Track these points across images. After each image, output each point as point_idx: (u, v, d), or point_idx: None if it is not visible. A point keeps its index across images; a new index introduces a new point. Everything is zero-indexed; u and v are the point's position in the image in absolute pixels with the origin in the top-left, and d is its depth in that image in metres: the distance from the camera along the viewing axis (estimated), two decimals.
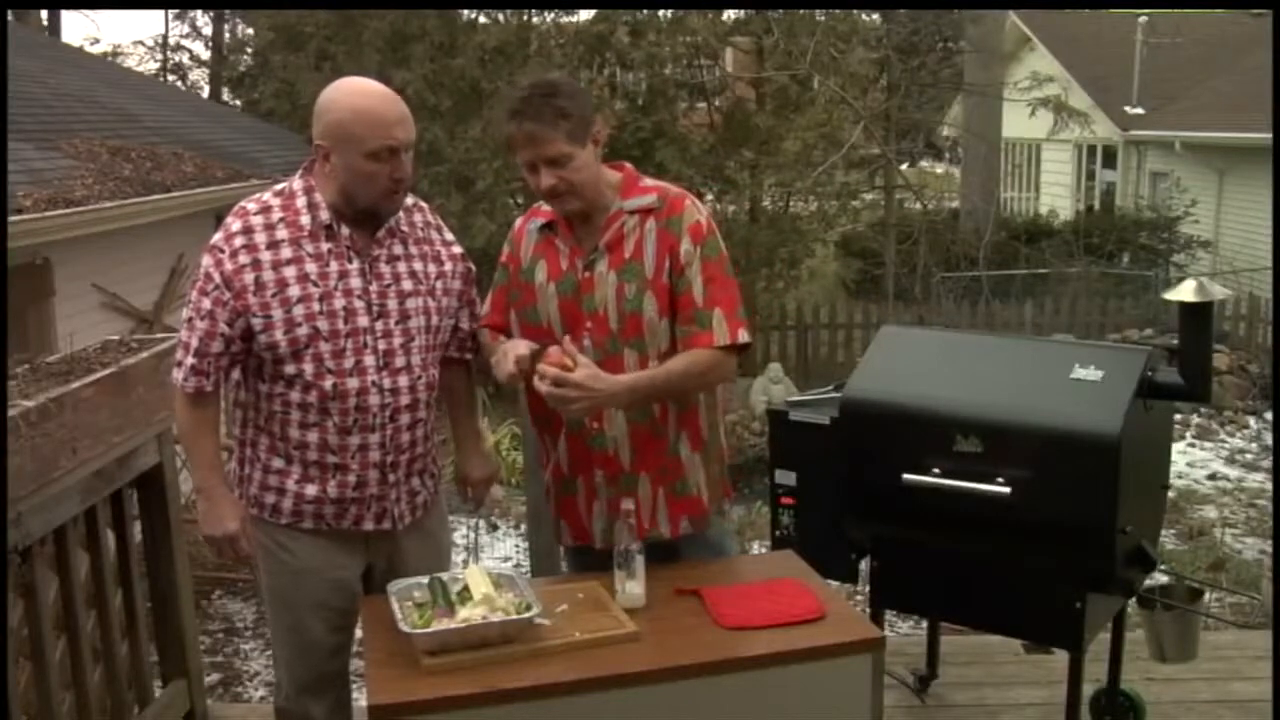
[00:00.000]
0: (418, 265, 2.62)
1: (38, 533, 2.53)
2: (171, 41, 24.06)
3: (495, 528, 8.10)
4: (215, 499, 2.56)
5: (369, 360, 2.53)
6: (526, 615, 2.28)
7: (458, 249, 2.76)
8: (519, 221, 2.81)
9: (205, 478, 2.57)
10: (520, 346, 2.55)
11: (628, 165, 2.75)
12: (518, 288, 2.73)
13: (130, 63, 22.86)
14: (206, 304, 2.50)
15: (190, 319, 2.52)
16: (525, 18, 13.36)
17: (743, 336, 2.62)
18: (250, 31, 19.61)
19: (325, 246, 2.52)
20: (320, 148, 2.50)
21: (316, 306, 2.49)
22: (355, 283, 2.52)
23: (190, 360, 2.51)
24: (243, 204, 2.57)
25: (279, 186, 2.59)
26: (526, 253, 2.73)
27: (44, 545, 2.60)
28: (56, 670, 2.63)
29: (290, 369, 2.50)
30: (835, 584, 3.08)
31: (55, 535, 2.65)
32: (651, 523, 2.70)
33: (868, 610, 3.18)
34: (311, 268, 2.50)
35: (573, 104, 2.53)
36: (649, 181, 2.73)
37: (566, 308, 2.65)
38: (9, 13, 12.87)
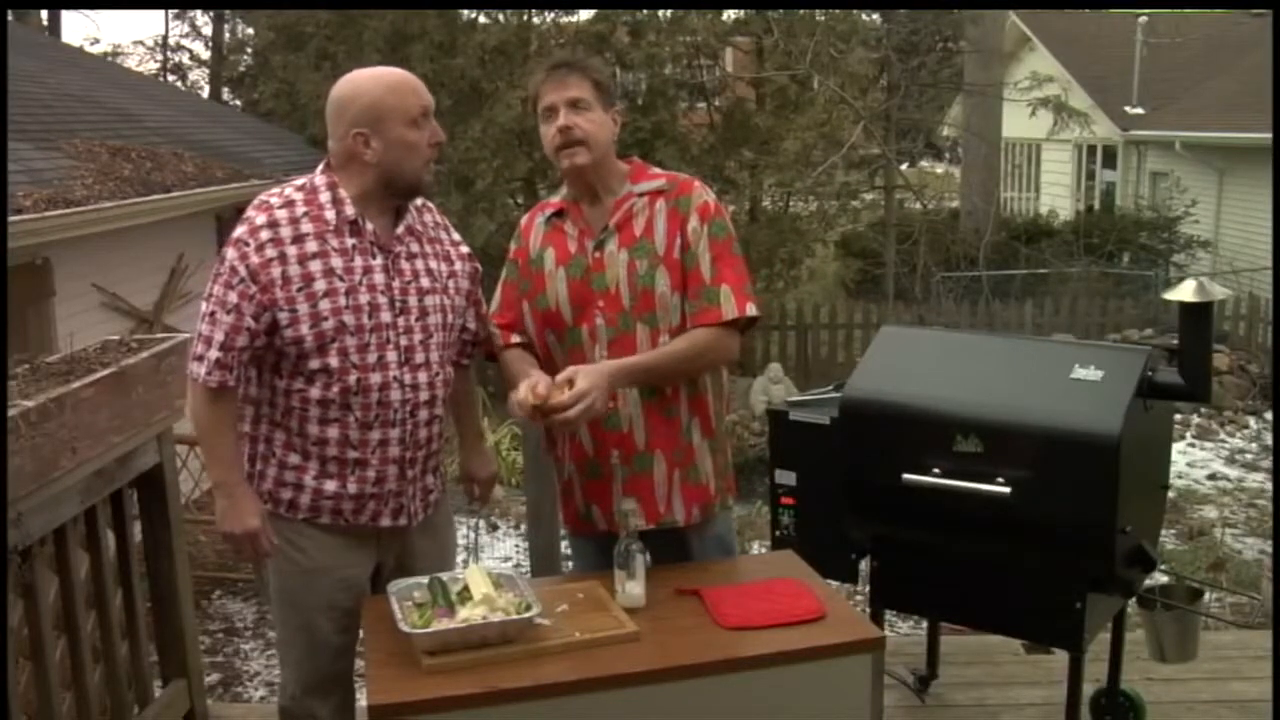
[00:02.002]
0: (433, 264, 2.64)
1: (38, 533, 2.53)
2: (171, 41, 24.08)
3: (495, 528, 8.10)
4: (236, 496, 2.53)
5: (391, 355, 2.53)
6: (526, 615, 2.28)
7: (465, 248, 2.78)
8: (526, 218, 2.87)
9: (225, 475, 2.53)
10: (528, 398, 2.52)
11: (636, 159, 2.82)
12: (527, 277, 2.77)
13: (130, 63, 22.86)
14: (233, 298, 2.46)
15: (214, 313, 2.48)
16: (525, 18, 13.37)
17: (750, 310, 2.68)
18: (250, 31, 19.61)
19: (350, 242, 2.52)
20: (359, 136, 2.49)
21: (342, 301, 2.49)
22: (379, 278, 2.53)
23: (215, 354, 2.47)
24: (264, 198, 2.55)
25: (299, 181, 2.58)
26: (535, 243, 2.79)
27: (44, 545, 2.60)
28: (56, 670, 2.63)
29: (315, 363, 2.49)
30: (835, 584, 3.08)
31: (55, 535, 2.65)
32: (666, 508, 2.72)
33: (868, 610, 3.18)
34: (337, 262, 2.50)
35: (603, 71, 2.75)
36: (658, 170, 2.82)
37: (576, 289, 2.69)
38: (9, 13, 12.87)
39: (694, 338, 2.65)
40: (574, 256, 2.71)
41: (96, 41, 28.12)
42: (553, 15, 13.73)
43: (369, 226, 2.53)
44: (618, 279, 2.66)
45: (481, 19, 13.49)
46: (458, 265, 2.71)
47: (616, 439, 2.69)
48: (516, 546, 7.60)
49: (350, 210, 2.52)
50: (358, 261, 2.51)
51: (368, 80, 2.54)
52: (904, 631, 5.50)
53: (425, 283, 2.60)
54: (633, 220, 2.69)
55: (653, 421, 2.69)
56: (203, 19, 23.29)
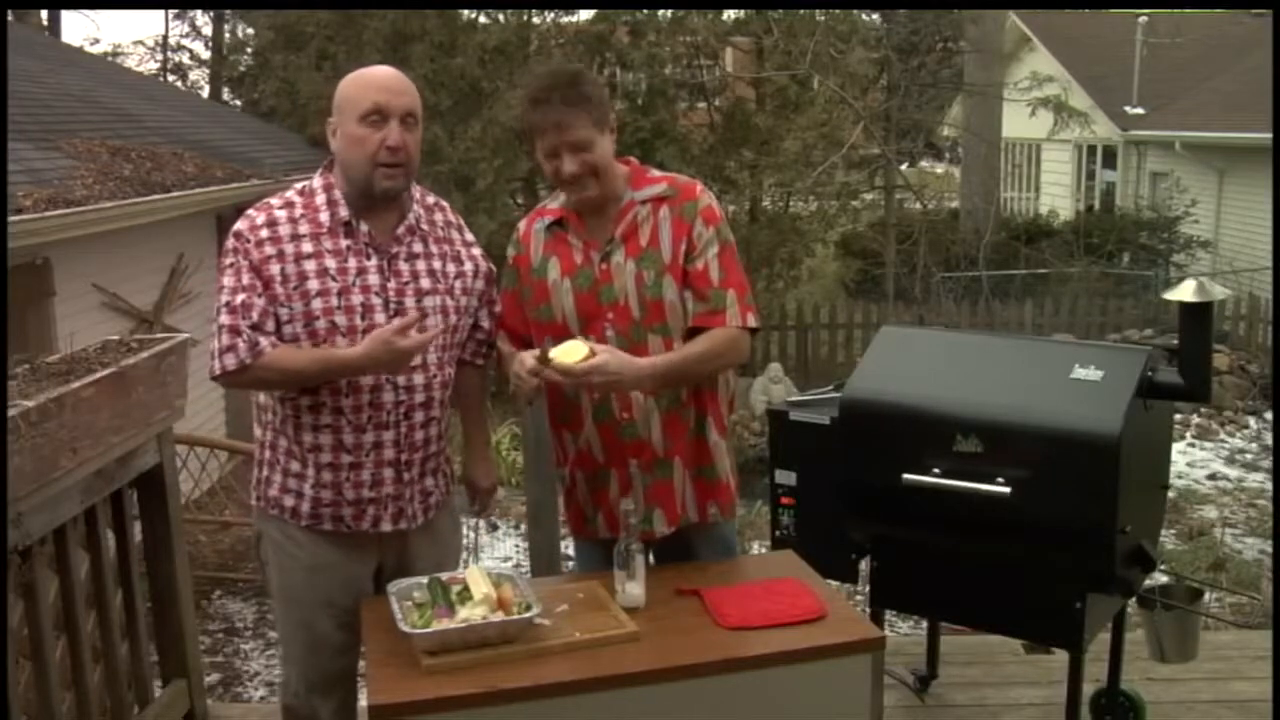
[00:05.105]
0: (437, 264, 2.62)
1: (38, 533, 2.53)
2: (171, 41, 24.01)
3: (495, 528, 8.10)
4: (367, 350, 2.42)
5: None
6: (526, 615, 2.28)
7: (478, 250, 2.75)
8: (524, 223, 2.82)
9: (347, 361, 2.43)
10: (528, 359, 2.50)
11: (633, 160, 2.78)
12: (529, 286, 2.74)
13: (130, 63, 22.80)
14: (245, 280, 2.47)
15: (228, 302, 2.47)
16: (525, 18, 13.38)
17: (751, 321, 2.67)
18: (250, 31, 19.60)
19: (344, 243, 2.53)
20: (330, 126, 2.54)
21: (334, 301, 2.50)
22: (373, 279, 2.53)
23: (245, 333, 2.43)
24: (266, 200, 2.60)
25: (300, 185, 2.62)
26: (536, 252, 2.74)
27: (44, 545, 2.60)
28: (56, 670, 2.63)
29: None
30: (835, 584, 3.08)
31: (55, 535, 2.65)
32: (681, 509, 2.72)
33: (868, 610, 3.18)
34: (330, 263, 2.51)
35: (595, 91, 2.62)
36: (656, 172, 2.77)
37: (583, 301, 2.66)
38: (9, 13, 12.86)
39: (714, 339, 2.63)
40: (580, 268, 2.67)
41: (96, 41, 28.11)
42: (553, 15, 13.74)
43: (363, 228, 2.54)
44: (626, 290, 2.63)
45: (481, 19, 13.51)
46: (468, 266, 2.69)
47: (635, 447, 2.67)
48: (516, 546, 7.60)
49: (344, 211, 2.53)
50: (351, 263, 2.52)
51: (352, 74, 2.58)
52: (904, 631, 5.50)
53: (425, 284, 2.59)
54: (638, 230, 2.65)
55: (670, 427, 2.68)
56: (203, 19, 23.24)
